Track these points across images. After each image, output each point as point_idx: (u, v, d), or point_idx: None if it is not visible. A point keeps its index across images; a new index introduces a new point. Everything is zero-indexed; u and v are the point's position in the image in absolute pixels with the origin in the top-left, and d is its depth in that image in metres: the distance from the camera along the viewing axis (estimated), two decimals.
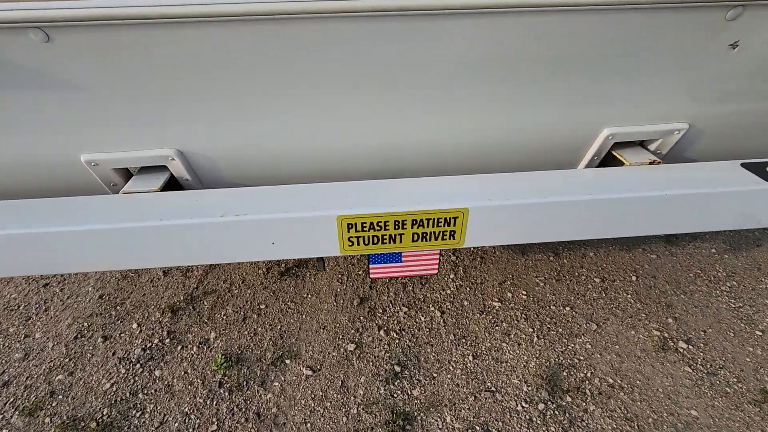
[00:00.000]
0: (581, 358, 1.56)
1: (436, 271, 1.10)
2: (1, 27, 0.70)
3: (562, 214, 0.94)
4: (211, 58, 0.82)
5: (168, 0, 0.70)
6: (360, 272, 1.96)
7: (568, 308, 1.74)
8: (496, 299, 1.80)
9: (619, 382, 1.48)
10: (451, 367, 1.55)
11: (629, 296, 1.79)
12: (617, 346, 1.59)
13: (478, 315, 1.74)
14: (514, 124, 1.05)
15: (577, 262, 1.97)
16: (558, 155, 1.13)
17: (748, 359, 1.53)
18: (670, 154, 1.16)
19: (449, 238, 0.97)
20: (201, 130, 0.96)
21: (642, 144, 1.16)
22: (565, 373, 1.51)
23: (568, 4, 0.78)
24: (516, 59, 0.89)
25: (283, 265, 2.01)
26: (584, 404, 1.41)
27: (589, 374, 1.50)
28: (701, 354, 1.55)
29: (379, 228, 0.93)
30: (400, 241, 0.96)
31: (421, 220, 0.93)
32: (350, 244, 0.95)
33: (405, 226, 0.93)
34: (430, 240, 0.97)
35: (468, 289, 1.86)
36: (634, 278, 1.87)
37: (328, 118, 0.98)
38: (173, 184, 1.07)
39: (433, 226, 0.94)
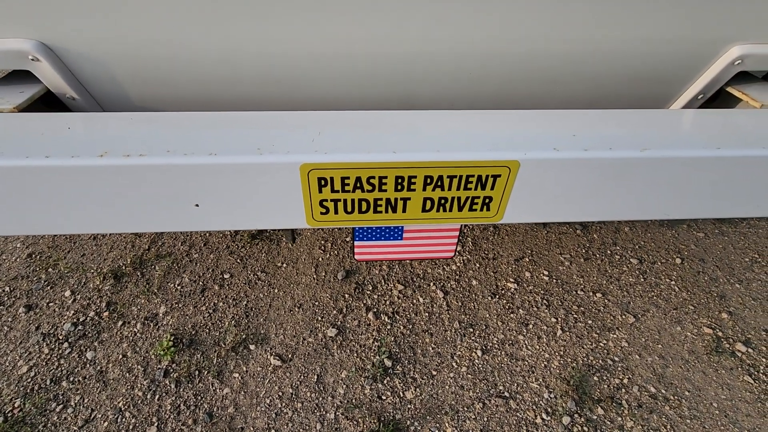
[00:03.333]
0: (616, 359, 1.26)
1: (452, 255, 0.76)
2: None
3: (661, 177, 0.59)
4: None
5: None
6: (346, 238, 1.61)
7: (599, 294, 1.43)
8: (512, 279, 1.48)
9: (664, 392, 1.19)
10: (454, 364, 1.25)
11: (673, 283, 1.47)
12: (660, 346, 1.29)
13: (490, 298, 1.42)
14: (583, 33, 0.66)
15: (609, 237, 1.63)
16: (649, 86, 0.75)
17: None
18: None
19: (481, 209, 0.61)
20: (84, 6, 0.57)
21: None
22: (596, 378, 1.21)
23: None
24: None
25: None
26: (620, 418, 1.13)
27: (626, 380, 1.21)
28: (764, 359, 1.26)
29: (370, 187, 0.57)
30: (404, 210, 0.60)
31: (440, 177, 0.57)
32: (323, 210, 0.59)
33: (413, 186, 0.57)
34: (451, 210, 0.61)
35: (478, 265, 1.53)
36: (678, 261, 1.55)
37: (294, 20, 0.59)
38: (52, 104, 0.69)
39: (458, 189, 0.58)
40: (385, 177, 0.56)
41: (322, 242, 1.60)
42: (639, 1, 0.62)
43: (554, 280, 1.48)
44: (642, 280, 1.49)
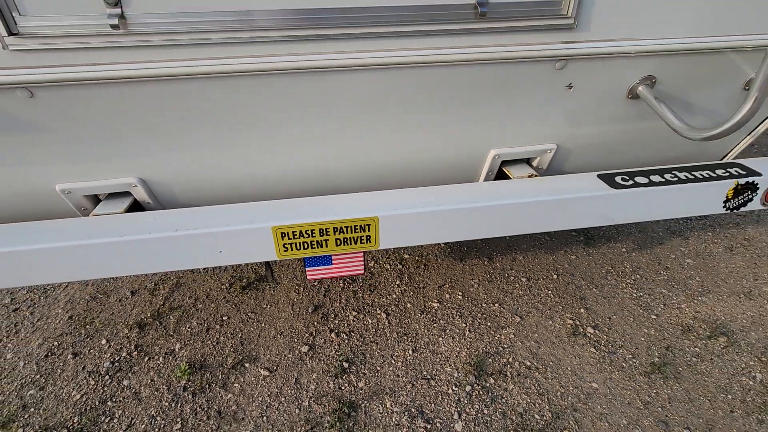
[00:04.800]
0: (505, 346, 1.79)
1: (362, 271, 1.32)
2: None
3: (453, 218, 1.19)
4: (162, 110, 1.03)
5: (117, 66, 0.92)
6: (315, 284, 2.16)
7: (497, 305, 1.99)
8: (436, 300, 2.03)
9: (536, 364, 1.72)
10: (392, 361, 1.76)
11: (550, 292, 2.05)
12: (536, 335, 1.84)
13: (420, 315, 1.96)
14: (420, 149, 1.30)
15: (507, 264, 2.23)
16: (460, 172, 1.39)
17: (642, 339, 1.80)
18: (550, 168, 1.44)
19: (366, 242, 1.20)
20: (159, 162, 1.17)
21: (528, 161, 1.43)
22: (490, 360, 1.74)
23: (454, 61, 1.04)
24: (418, 100, 1.15)
25: (245, 280, 2.19)
26: (504, 384, 1.64)
27: (510, 359, 1.74)
28: (605, 336, 1.82)
29: (307, 235, 1.15)
30: (326, 246, 1.18)
31: (341, 227, 1.16)
32: (285, 249, 1.17)
33: (328, 233, 1.16)
34: (350, 243, 1.19)
35: (411, 293, 2.08)
36: (555, 276, 2.14)
37: (264, 151, 1.20)
38: (137, 207, 1.27)
39: (351, 232, 1.17)
40: (314, 229, 1.14)
41: (296, 287, 2.14)
42: (446, 137, 1.26)
43: (466, 298, 2.03)
44: (528, 292, 2.06)
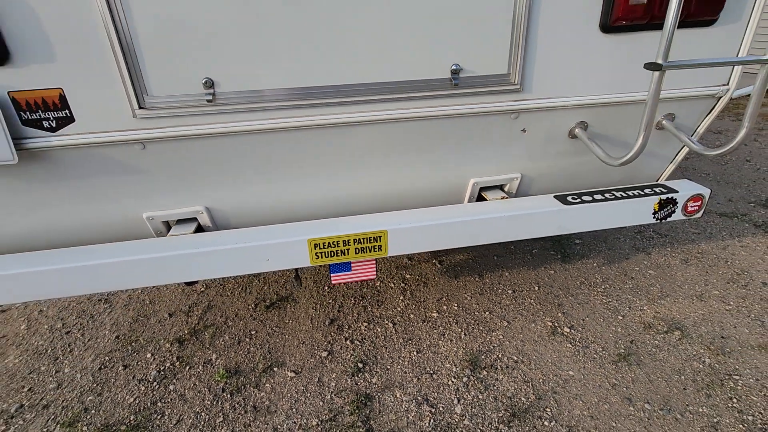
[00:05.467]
0: (495, 345, 2.11)
1: (374, 276, 1.68)
2: (118, 142, 1.30)
3: (443, 230, 1.57)
4: (232, 156, 1.43)
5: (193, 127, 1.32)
6: (330, 301, 2.48)
7: (487, 313, 2.32)
8: (435, 311, 2.36)
9: (521, 358, 2.03)
10: (400, 361, 2.06)
11: (532, 300, 2.39)
12: (521, 335, 2.16)
13: (421, 323, 2.28)
14: (416, 181, 1.70)
15: (495, 279, 2.57)
16: (448, 196, 1.78)
17: (611, 335, 2.13)
18: (518, 192, 1.84)
19: (378, 250, 1.57)
20: (222, 194, 1.56)
21: (501, 187, 1.83)
22: (483, 356, 2.05)
23: (438, 116, 1.46)
24: (413, 145, 1.55)
25: (268, 300, 2.52)
26: (496, 375, 1.94)
27: (500, 355, 2.05)
28: (579, 334, 2.14)
29: (333, 245, 1.52)
30: (347, 254, 1.55)
31: (359, 239, 1.53)
32: (316, 257, 1.53)
33: (349, 244, 1.53)
34: (366, 252, 1.56)
35: (414, 306, 2.41)
36: (536, 288, 2.49)
37: (301, 185, 1.60)
38: (199, 230, 1.64)
39: (366, 243, 1.54)
40: (338, 241, 1.50)
41: (314, 305, 2.46)
42: (436, 171, 1.67)
43: (461, 308, 2.36)
44: (514, 301, 2.39)
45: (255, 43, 1.25)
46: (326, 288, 2.59)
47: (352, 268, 1.64)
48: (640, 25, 1.40)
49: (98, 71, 1.20)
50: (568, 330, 2.17)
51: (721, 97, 1.62)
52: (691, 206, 1.75)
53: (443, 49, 1.35)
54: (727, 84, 1.60)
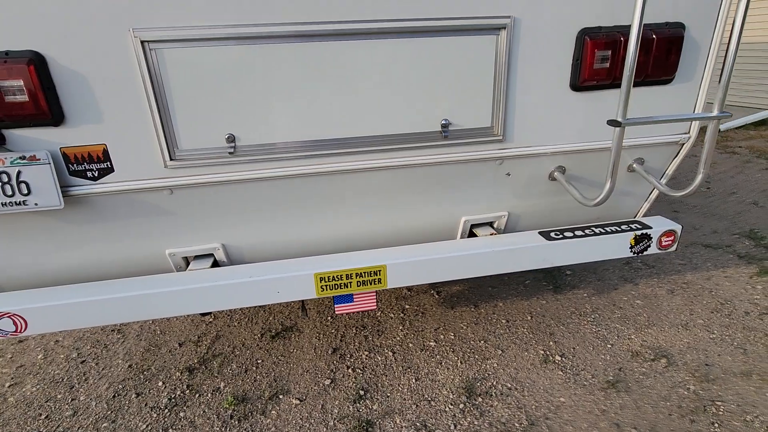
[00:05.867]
0: (490, 373, 2.22)
1: (375, 307, 1.82)
2: (150, 189, 1.48)
3: (437, 264, 1.72)
4: (248, 199, 1.62)
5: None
6: (333, 330, 2.61)
7: (482, 342, 2.43)
8: (433, 340, 2.47)
9: (515, 385, 2.13)
10: (399, 388, 2.16)
11: (525, 330, 2.51)
12: (515, 363, 2.27)
13: (420, 352, 2.39)
14: (413, 220, 1.87)
15: (490, 310, 2.70)
16: (442, 233, 1.95)
17: (600, 363, 2.24)
18: (507, 229, 2.00)
19: (378, 283, 1.72)
20: (237, 233, 1.73)
21: (491, 224, 2.00)
22: (478, 384, 2.15)
23: (431, 163, 1.65)
24: (410, 189, 1.74)
25: (273, 331, 2.64)
26: (491, 401, 2.05)
27: (494, 383, 2.15)
28: (570, 362, 2.25)
29: (337, 279, 1.67)
30: (350, 287, 1.70)
31: (361, 272, 1.68)
32: (322, 289, 1.68)
33: (351, 278, 1.68)
34: (367, 285, 1.71)
35: (412, 335, 2.53)
36: (529, 317, 2.61)
37: (308, 225, 1.77)
38: (214, 265, 1.80)
39: (367, 276, 1.69)
40: (342, 275, 1.66)
41: (317, 335, 2.58)
42: (431, 210, 1.84)
43: (457, 337, 2.48)
44: (508, 330, 2.51)
45: (270, 103, 1.45)
46: (329, 318, 2.72)
47: (354, 300, 1.79)
48: (604, 85, 1.61)
49: (137, 130, 1.40)
50: (559, 358, 2.28)
51: (683, 144, 1.81)
52: (665, 241, 1.91)
53: (434, 106, 1.55)
54: (688, 132, 1.79)
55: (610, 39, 1.53)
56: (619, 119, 1.38)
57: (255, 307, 2.88)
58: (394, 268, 1.70)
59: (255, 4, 1.32)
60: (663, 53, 1.58)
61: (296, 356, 2.43)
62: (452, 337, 2.49)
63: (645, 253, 1.91)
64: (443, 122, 1.58)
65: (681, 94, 1.71)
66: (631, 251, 1.90)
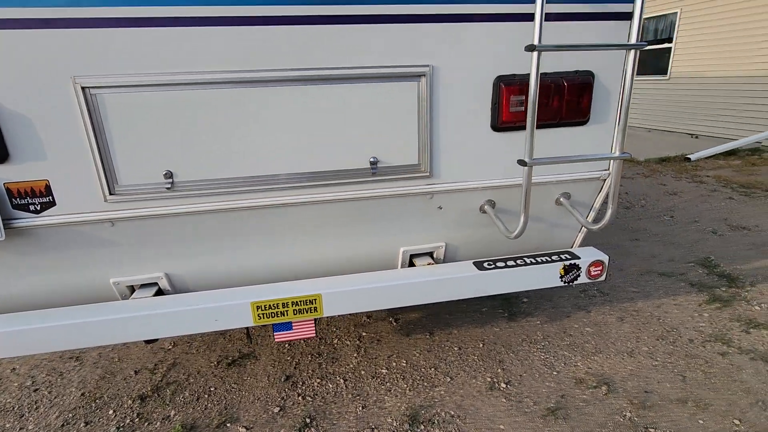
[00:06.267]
0: (436, 400, 2.26)
1: (314, 335, 1.88)
2: (91, 222, 1.57)
3: (370, 294, 1.80)
4: (187, 231, 1.70)
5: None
6: (288, 358, 2.64)
7: (433, 369, 2.48)
8: (385, 368, 2.51)
9: (458, 413, 2.17)
10: (346, 416, 2.19)
11: (476, 357, 2.56)
12: (462, 390, 2.31)
13: (371, 379, 2.43)
14: (353, 250, 1.96)
15: (444, 337, 2.76)
16: (383, 263, 2.03)
17: (544, 390, 2.29)
18: (446, 259, 2.09)
19: (315, 311, 1.79)
20: (179, 262, 1.81)
21: (430, 254, 2.09)
22: (423, 411, 2.19)
23: (363, 198, 1.75)
24: (347, 221, 1.83)
25: (230, 358, 2.67)
26: (432, 429, 2.08)
27: (439, 410, 2.19)
28: (515, 389, 2.30)
29: (274, 308, 1.74)
30: (287, 315, 1.77)
31: (297, 301, 1.75)
32: (259, 317, 1.75)
33: (287, 306, 1.75)
34: (304, 313, 1.78)
35: (366, 363, 2.57)
36: (481, 345, 2.66)
37: (246, 256, 1.85)
38: (159, 293, 1.87)
39: (303, 305, 1.77)
40: (278, 303, 1.73)
41: (273, 362, 2.62)
42: (371, 241, 1.93)
43: (409, 365, 2.52)
44: (459, 358, 2.56)
45: (207, 143, 1.56)
46: (286, 346, 2.76)
47: (293, 327, 1.85)
48: (522, 126, 1.74)
49: (78, 167, 1.50)
50: (504, 385, 2.33)
51: (605, 180, 1.94)
52: (594, 271, 2.01)
53: (363, 145, 1.67)
54: (608, 169, 1.92)
55: (524, 85, 1.67)
56: (526, 159, 1.50)
57: (213, 334, 2.92)
58: (329, 297, 1.77)
59: (191, 54, 1.45)
60: (575, 98, 1.72)
61: (249, 384, 2.46)
62: (404, 364, 2.54)
63: (575, 282, 2.00)
64: (371, 159, 1.69)
65: (597, 135, 1.84)
66: (562, 281, 1.99)
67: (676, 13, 9.27)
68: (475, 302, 3.11)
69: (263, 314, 1.74)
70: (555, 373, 2.41)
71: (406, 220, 1.89)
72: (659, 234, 4.25)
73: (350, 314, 2.87)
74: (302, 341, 2.77)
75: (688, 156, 7.55)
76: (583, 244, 2.25)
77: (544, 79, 1.67)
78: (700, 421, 2.06)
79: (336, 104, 1.60)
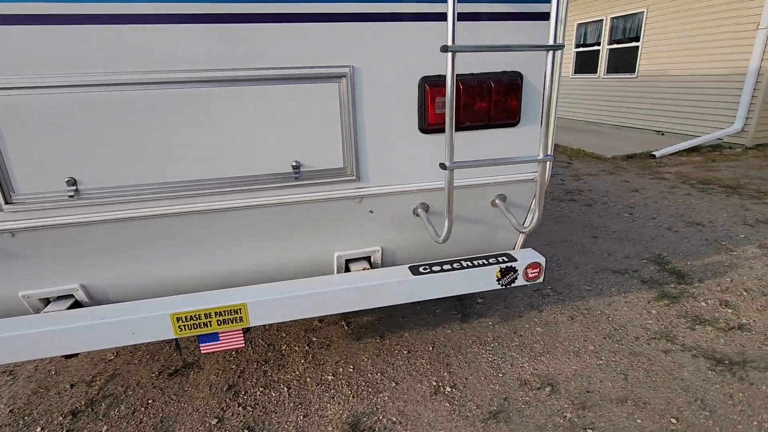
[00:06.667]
0: (379, 407, 2.22)
1: (243, 345, 1.81)
2: None
3: (297, 301, 1.74)
4: (96, 242, 1.61)
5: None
6: (233, 366, 2.57)
7: (379, 374, 2.44)
8: (331, 374, 2.46)
9: (400, 419, 2.14)
10: (286, 426, 2.14)
11: (424, 361, 2.53)
12: (406, 396, 2.28)
13: (316, 386, 2.38)
14: (283, 255, 1.90)
15: (395, 341, 2.72)
16: (318, 269, 1.98)
17: (488, 393, 2.27)
18: (384, 263, 2.05)
19: (240, 321, 1.72)
20: (94, 273, 1.71)
21: (367, 259, 2.04)
22: (365, 419, 2.15)
23: (288, 203, 1.69)
24: (274, 226, 1.77)
25: (172, 368, 2.58)
26: None
27: (381, 417, 2.15)
28: (459, 393, 2.28)
29: (195, 318, 1.67)
30: (211, 326, 1.70)
31: (220, 311, 1.69)
32: (180, 329, 1.67)
33: (210, 317, 1.68)
34: (229, 323, 1.71)
35: (312, 369, 2.51)
36: (431, 348, 2.64)
37: (168, 264, 1.77)
38: (77, 305, 1.77)
39: (227, 315, 1.70)
40: (200, 314, 1.66)
41: (216, 371, 2.54)
42: (302, 247, 1.87)
43: (356, 370, 2.48)
44: (407, 362, 2.53)
45: (117, 148, 1.48)
46: (232, 354, 2.68)
47: (221, 338, 1.78)
48: None
49: None
50: (449, 389, 2.31)
51: None
52: (531, 273, 2.00)
53: (284, 149, 1.61)
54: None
55: None
56: (446, 163, 1.47)
57: (158, 343, 2.81)
58: (255, 306, 1.71)
59: (92, 54, 1.36)
60: (502, 98, 1.69)
61: (189, 395, 2.37)
62: (351, 370, 2.49)
63: (513, 285, 1.99)
64: (294, 164, 1.63)
65: (529, 136, 1.82)
66: (499, 283, 1.97)
67: (643, 12, 9.45)
68: (429, 304, 3.08)
69: (184, 326, 1.66)
70: (501, 375, 2.40)
71: (337, 225, 1.84)
72: (618, 231, 4.31)
73: (301, 319, 2.80)
74: (239, 350, 2.69)
75: (653, 153, 7.72)
76: (533, 245, 2.24)
77: (471, 80, 1.64)
78: (638, 420, 2.07)
79: (254, 107, 1.53)
